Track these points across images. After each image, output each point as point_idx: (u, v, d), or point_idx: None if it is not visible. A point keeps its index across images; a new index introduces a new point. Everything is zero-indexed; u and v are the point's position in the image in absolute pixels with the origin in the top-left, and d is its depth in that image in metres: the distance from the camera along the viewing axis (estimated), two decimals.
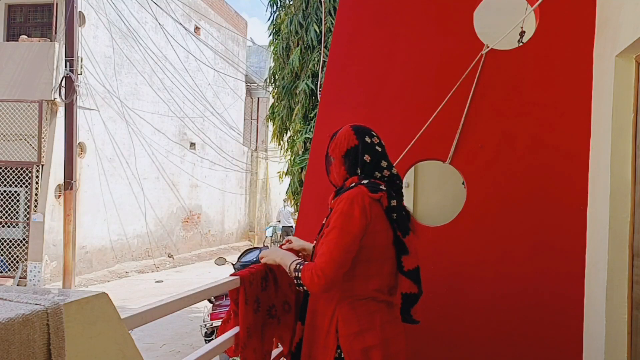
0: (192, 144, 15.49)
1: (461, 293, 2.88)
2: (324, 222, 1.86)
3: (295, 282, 1.77)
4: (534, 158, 2.83)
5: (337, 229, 1.69)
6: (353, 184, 1.80)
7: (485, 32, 3.07)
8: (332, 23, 6.61)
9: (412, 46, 3.04)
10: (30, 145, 9.90)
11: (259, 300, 1.93)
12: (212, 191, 16.61)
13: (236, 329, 1.85)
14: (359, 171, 1.83)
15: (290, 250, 2.12)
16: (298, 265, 1.76)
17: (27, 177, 9.97)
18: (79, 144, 10.07)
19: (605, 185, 2.44)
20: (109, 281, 10.85)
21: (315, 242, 1.88)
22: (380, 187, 1.79)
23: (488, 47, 2.86)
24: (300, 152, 7.44)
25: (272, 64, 8.81)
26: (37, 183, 9.87)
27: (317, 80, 6.70)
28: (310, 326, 1.84)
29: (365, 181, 1.79)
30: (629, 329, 2.34)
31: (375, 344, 1.70)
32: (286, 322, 2.07)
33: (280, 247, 2.21)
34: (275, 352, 2.08)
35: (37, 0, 10.81)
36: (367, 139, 1.86)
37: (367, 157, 1.83)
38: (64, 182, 9.44)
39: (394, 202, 1.79)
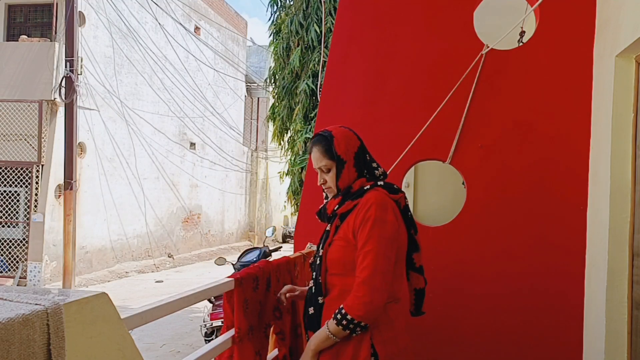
0: (192, 144, 15.48)
1: (461, 293, 2.88)
2: (327, 228, 1.81)
3: (350, 332, 1.59)
4: (534, 158, 2.83)
5: (375, 238, 1.62)
6: (368, 187, 1.75)
7: (485, 32, 3.07)
8: (332, 23, 6.61)
9: (412, 46, 3.04)
10: (30, 145, 9.90)
11: (248, 301, 1.91)
12: (212, 191, 16.61)
13: (232, 331, 1.85)
14: (365, 172, 1.81)
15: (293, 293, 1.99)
16: (337, 316, 1.59)
17: (27, 177, 9.97)
18: (79, 144, 10.06)
19: (605, 185, 2.44)
20: (109, 281, 10.85)
21: (321, 248, 1.79)
22: (395, 186, 1.78)
23: (488, 47, 2.86)
24: (301, 152, 7.45)
25: (272, 64, 8.81)
26: (37, 183, 9.87)
27: (318, 80, 6.70)
28: None
29: (380, 182, 1.77)
30: (629, 329, 2.34)
31: (407, 345, 1.71)
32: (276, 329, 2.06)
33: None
34: (270, 356, 2.07)
35: (37, 0, 10.81)
36: (361, 139, 1.86)
37: (368, 157, 1.83)
38: (64, 182, 9.44)
39: (407, 201, 1.81)
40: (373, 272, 1.58)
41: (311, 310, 1.77)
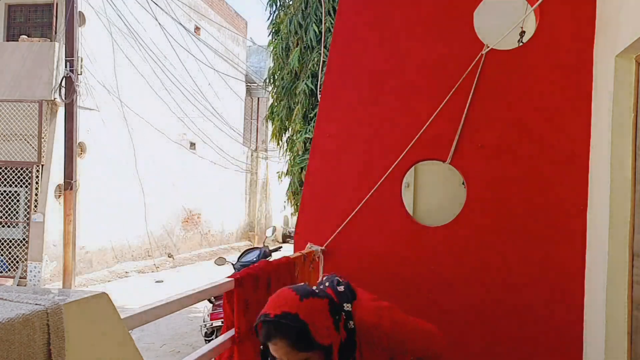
0: (192, 144, 15.48)
1: (460, 292, 2.88)
2: None
3: None
4: (534, 158, 2.83)
5: (401, 327, 1.62)
6: (346, 308, 1.58)
7: (485, 32, 3.07)
8: (331, 23, 6.61)
9: (412, 46, 3.04)
10: (30, 145, 9.90)
11: (248, 302, 1.91)
12: (212, 191, 16.61)
13: (232, 331, 1.85)
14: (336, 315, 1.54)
15: None
16: None
17: (27, 177, 9.97)
18: (79, 144, 10.06)
19: (605, 185, 2.44)
20: (109, 281, 10.85)
21: None
22: (340, 288, 1.66)
23: (488, 47, 2.86)
24: (300, 152, 7.44)
25: (272, 64, 8.81)
26: (37, 183, 9.86)
27: (317, 80, 6.70)
28: None
29: (344, 303, 1.60)
30: (629, 329, 2.34)
31: None
32: None
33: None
34: None
35: (37, 0, 10.81)
36: (326, 293, 1.59)
37: (337, 298, 1.60)
38: (64, 182, 9.44)
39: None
40: (431, 332, 1.66)
41: None
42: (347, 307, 1.57)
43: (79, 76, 9.54)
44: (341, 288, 1.64)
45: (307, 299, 1.44)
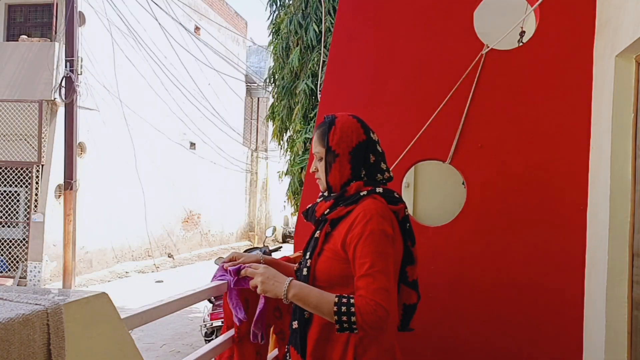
0: (192, 144, 15.49)
1: (460, 293, 2.88)
2: (316, 235, 1.63)
3: (340, 325, 1.40)
4: (534, 158, 2.83)
5: (378, 253, 1.44)
6: (365, 192, 1.55)
7: (485, 32, 3.07)
8: (331, 23, 6.61)
9: (412, 46, 3.04)
10: (30, 145, 9.90)
11: (248, 301, 1.90)
12: (212, 191, 16.62)
13: (232, 331, 1.85)
14: (363, 173, 1.60)
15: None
16: (342, 308, 1.39)
17: (27, 177, 9.97)
18: (79, 144, 10.06)
19: (605, 185, 2.44)
20: (109, 281, 10.85)
21: (309, 258, 1.60)
22: (396, 195, 1.61)
23: (488, 47, 2.86)
24: (300, 152, 7.44)
25: (272, 64, 8.81)
26: (37, 183, 9.87)
27: (317, 80, 6.70)
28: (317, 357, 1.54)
29: (379, 190, 1.57)
30: (629, 329, 2.34)
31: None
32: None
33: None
34: (270, 356, 2.07)
35: (37, 0, 10.81)
36: (372, 136, 1.63)
37: (372, 157, 1.61)
38: (64, 182, 9.44)
39: (407, 211, 1.64)
40: (387, 293, 1.41)
41: (295, 324, 1.58)
42: (379, 190, 1.57)
43: (79, 76, 9.54)
44: (389, 190, 1.61)
45: (352, 118, 1.64)
